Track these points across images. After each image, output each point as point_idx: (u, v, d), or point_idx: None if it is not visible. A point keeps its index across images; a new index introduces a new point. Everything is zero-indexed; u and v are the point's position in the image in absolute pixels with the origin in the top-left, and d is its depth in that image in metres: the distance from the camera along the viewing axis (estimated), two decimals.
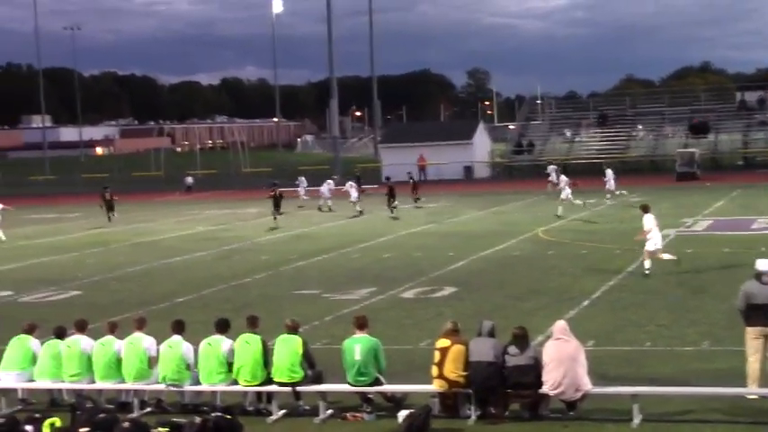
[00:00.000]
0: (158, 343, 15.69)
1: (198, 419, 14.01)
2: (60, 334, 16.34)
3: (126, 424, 13.97)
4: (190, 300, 25.91)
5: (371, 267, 30.91)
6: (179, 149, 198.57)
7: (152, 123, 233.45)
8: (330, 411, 14.93)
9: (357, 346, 14.88)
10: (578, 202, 47.11)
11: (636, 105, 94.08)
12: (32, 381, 16.05)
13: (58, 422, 14.27)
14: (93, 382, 15.79)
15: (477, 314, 20.72)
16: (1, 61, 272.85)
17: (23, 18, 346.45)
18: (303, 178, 61.24)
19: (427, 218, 47.37)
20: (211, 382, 15.36)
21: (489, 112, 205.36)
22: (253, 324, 15.55)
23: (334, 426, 14.61)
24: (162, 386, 15.54)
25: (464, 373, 14.42)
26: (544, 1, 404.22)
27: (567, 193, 46.42)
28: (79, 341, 15.95)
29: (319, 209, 53.82)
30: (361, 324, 15.17)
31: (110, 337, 15.91)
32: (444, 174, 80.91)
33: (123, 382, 15.69)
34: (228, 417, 14.25)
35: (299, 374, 15.02)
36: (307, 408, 15.14)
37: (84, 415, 14.49)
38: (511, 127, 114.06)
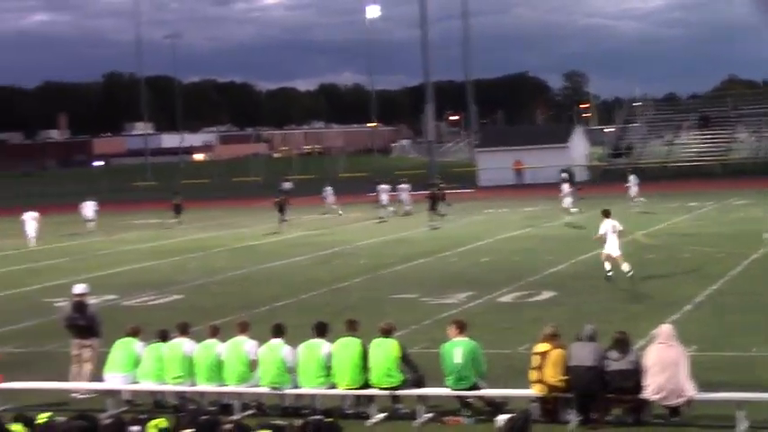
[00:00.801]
0: (259, 346, 15.84)
1: (298, 422, 14.11)
2: (163, 337, 16.60)
3: (228, 426, 14.15)
4: (290, 303, 26.13)
5: (469, 271, 30.83)
6: (277, 155, 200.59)
7: (250, 129, 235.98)
8: (429, 415, 14.91)
9: (457, 349, 14.84)
10: (574, 209, 46.74)
11: (738, 107, 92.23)
12: (136, 382, 16.33)
13: (163, 423, 14.49)
14: (196, 384, 16.01)
15: (576, 319, 20.53)
16: (104, 70, 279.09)
17: (125, 28, 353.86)
18: (383, 186, 59.10)
19: (525, 222, 47.08)
20: (311, 386, 15.45)
21: (586, 115, 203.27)
22: (352, 327, 15.61)
23: (432, 430, 14.59)
24: (263, 389, 15.69)
25: (564, 378, 14.29)
26: (642, 2, 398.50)
27: (568, 201, 46.46)
28: (182, 344, 16.18)
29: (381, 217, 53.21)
30: (461, 327, 15.12)
31: (212, 340, 16.11)
32: (541, 177, 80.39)
33: (225, 384, 15.87)
34: (328, 420, 14.33)
35: (396, 378, 15.03)
36: (405, 411, 15.15)
37: (188, 416, 14.70)
38: (608, 130, 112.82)
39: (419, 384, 15.19)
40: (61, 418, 14.88)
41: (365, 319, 18.96)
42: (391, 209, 54.70)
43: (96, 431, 14.64)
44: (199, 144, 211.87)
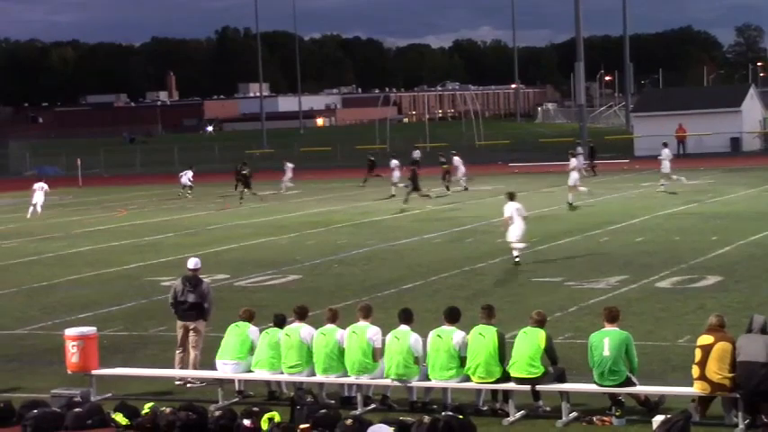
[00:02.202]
0: (384, 333, 15.94)
1: (427, 419, 14.19)
2: (280, 322, 16.82)
3: (349, 421, 14.31)
4: (418, 286, 26.24)
5: (622, 252, 30.50)
6: (406, 120, 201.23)
7: (377, 91, 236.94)
8: (574, 414, 14.84)
9: (606, 340, 14.71)
10: (583, 188, 46.47)
11: None
12: (250, 371, 16.61)
13: (277, 417, 14.75)
14: (314, 374, 16.19)
15: (746, 308, 20.15)
16: (217, 25, 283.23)
17: None
18: None
19: (687, 197, 46.29)
20: (441, 378, 15.50)
21: (762, 74, 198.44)
22: (488, 315, 15.59)
23: (578, 430, 14.52)
24: (388, 381, 15.80)
25: (730, 375, 14.05)
26: None
27: (575, 178, 46.02)
28: (299, 330, 16.36)
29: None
30: (613, 316, 14.98)
31: (331, 326, 16.25)
32: (707, 146, 78.81)
33: (345, 375, 16.02)
34: (460, 417, 14.38)
35: (538, 370, 14.99)
36: (547, 409, 15.10)
37: (304, 410, 14.92)
38: None
39: (561, 379, 15.12)
40: (167, 409, 15.25)
41: (503, 306, 18.96)
42: (402, 185, 54.41)
43: (205, 424, 14.99)
44: (320, 107, 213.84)
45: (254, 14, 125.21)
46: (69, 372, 17.15)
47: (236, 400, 16.50)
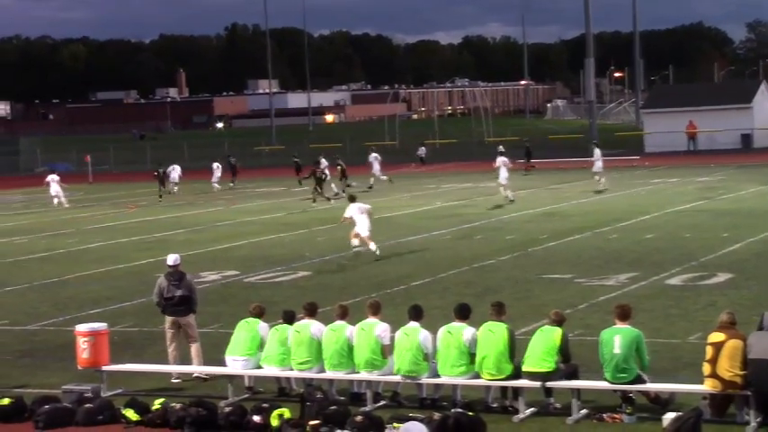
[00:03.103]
0: (393, 330, 15.94)
1: (437, 415, 14.19)
2: (289, 318, 16.83)
3: (359, 418, 14.32)
4: (427, 283, 26.25)
5: (632, 249, 30.47)
6: (415, 116, 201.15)
7: (386, 87, 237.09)
8: (585, 411, 14.83)
9: (617, 337, 14.70)
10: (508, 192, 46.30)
11: None
12: (259, 367, 16.62)
13: (286, 413, 14.77)
14: (323, 370, 16.20)
15: (757, 305, 20.11)
16: (226, 22, 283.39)
17: None
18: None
19: (698, 194, 46.25)
20: (451, 375, 15.50)
21: None
22: (499, 311, 15.58)
23: (588, 427, 14.51)
24: (397, 378, 15.80)
25: (741, 373, 14.03)
26: None
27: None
28: (309, 326, 16.37)
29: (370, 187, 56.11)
30: (625, 314, 14.96)
31: (341, 323, 16.26)
32: (718, 143, 78.69)
33: (355, 371, 16.03)
34: (470, 414, 14.38)
35: (551, 364, 14.96)
36: (558, 406, 15.08)
37: (314, 406, 14.93)
38: None
39: (573, 376, 15.11)
40: (177, 405, 15.27)
41: (512, 302, 18.95)
42: (384, 177, 57.86)
43: (215, 420, 15.02)
44: (329, 104, 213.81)
45: (263, 11, 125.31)
46: (80, 367, 17.19)
47: (246, 396, 16.51)
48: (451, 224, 38.83)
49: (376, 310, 16.27)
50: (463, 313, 15.76)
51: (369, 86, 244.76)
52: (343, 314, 16.44)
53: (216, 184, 61.30)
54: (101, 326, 17.39)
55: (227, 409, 15.24)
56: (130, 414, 15.42)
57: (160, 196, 56.92)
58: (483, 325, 15.49)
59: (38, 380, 18.04)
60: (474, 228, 37.65)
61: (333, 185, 53.84)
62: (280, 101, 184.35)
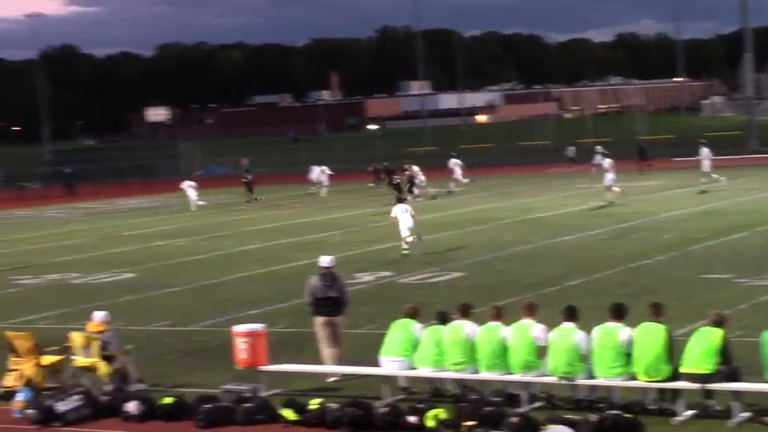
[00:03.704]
0: (548, 331, 15.82)
1: (593, 417, 14.04)
2: (443, 318, 16.84)
3: (514, 419, 14.25)
4: (582, 283, 26.01)
5: None
6: (568, 115, 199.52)
7: (538, 87, 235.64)
8: (747, 414, 14.48)
9: None
10: (617, 188, 46.31)
11: None
12: (414, 368, 16.66)
13: (442, 414, 14.78)
14: (478, 371, 16.16)
15: None
16: (377, 24, 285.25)
17: None
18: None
19: None
20: (607, 376, 15.30)
21: None
22: (656, 312, 15.32)
23: (751, 431, 14.17)
24: (552, 379, 15.67)
25: None
26: None
27: (610, 178, 46.41)
28: (463, 327, 16.34)
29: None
30: None
31: (495, 323, 16.19)
32: None
33: (510, 372, 15.94)
34: (628, 416, 14.19)
35: (710, 366, 14.64)
36: (718, 409, 14.77)
37: (469, 407, 14.91)
38: None
39: (733, 378, 14.76)
40: (333, 405, 15.42)
41: (670, 303, 18.61)
42: (465, 180, 59.17)
43: (371, 420, 15.11)
44: (481, 104, 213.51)
45: (413, 13, 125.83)
46: (238, 367, 17.47)
47: (402, 396, 16.57)
48: (605, 224, 38.40)
49: (532, 310, 16.16)
50: (619, 313, 15.55)
51: (521, 86, 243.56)
52: (498, 315, 16.37)
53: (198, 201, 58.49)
54: (258, 327, 17.66)
55: (383, 410, 15.32)
56: (288, 414, 15.61)
57: (248, 201, 58.29)
58: (639, 325, 15.26)
59: (197, 379, 18.41)
60: (629, 227, 37.17)
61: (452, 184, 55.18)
62: (431, 102, 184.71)
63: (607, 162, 48.67)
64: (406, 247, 32.59)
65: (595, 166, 57.61)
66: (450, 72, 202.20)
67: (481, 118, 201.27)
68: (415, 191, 53.98)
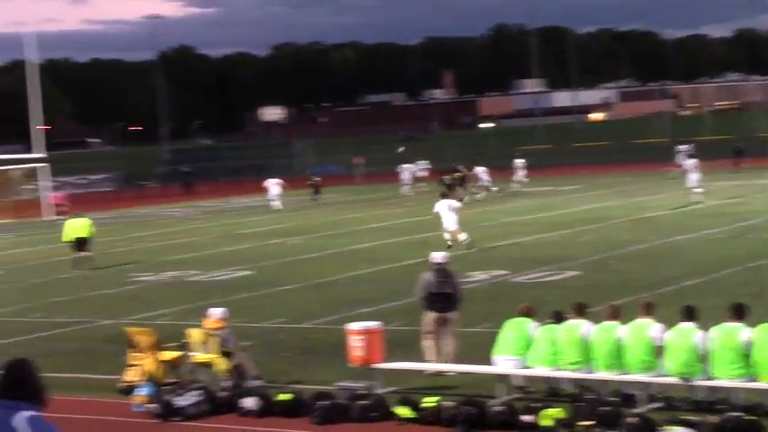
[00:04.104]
0: (665, 330, 15.62)
1: (713, 419, 13.82)
2: (558, 317, 16.75)
3: (632, 419, 14.10)
4: (700, 283, 25.64)
5: None
6: (685, 112, 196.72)
7: (654, 84, 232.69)
8: None
9: None
10: (699, 190, 45.42)
11: None
12: (528, 367, 16.58)
13: (559, 413, 14.68)
14: (594, 371, 16.02)
15: None
16: (491, 23, 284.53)
17: None
18: None
19: None
20: (727, 377, 15.05)
21: None
22: None
23: None
24: (670, 379, 15.46)
25: None
26: None
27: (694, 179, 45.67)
28: (578, 326, 16.24)
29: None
30: None
31: (612, 323, 16.07)
32: None
33: (627, 372, 15.78)
34: (749, 418, 13.94)
35: None
36: None
37: (586, 407, 14.80)
38: None
39: None
40: (449, 403, 15.42)
41: None
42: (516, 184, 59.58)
43: (485, 419, 15.08)
44: (595, 102, 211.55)
45: (527, 11, 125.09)
46: (353, 365, 17.55)
47: (517, 395, 16.50)
48: (723, 223, 37.78)
49: (649, 310, 15.99)
50: (739, 313, 15.30)
51: (637, 83, 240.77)
52: (615, 314, 16.23)
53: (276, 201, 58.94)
54: (374, 324, 17.74)
55: (498, 409, 15.28)
56: (403, 411, 15.65)
57: (314, 199, 59.77)
58: (759, 326, 14.99)
59: (313, 376, 18.53)
60: (747, 226, 36.52)
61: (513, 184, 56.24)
62: (544, 100, 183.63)
63: (690, 162, 47.77)
64: (450, 238, 34.15)
65: (677, 166, 56.87)
66: (564, 70, 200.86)
67: (596, 116, 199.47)
68: (473, 190, 55.14)
